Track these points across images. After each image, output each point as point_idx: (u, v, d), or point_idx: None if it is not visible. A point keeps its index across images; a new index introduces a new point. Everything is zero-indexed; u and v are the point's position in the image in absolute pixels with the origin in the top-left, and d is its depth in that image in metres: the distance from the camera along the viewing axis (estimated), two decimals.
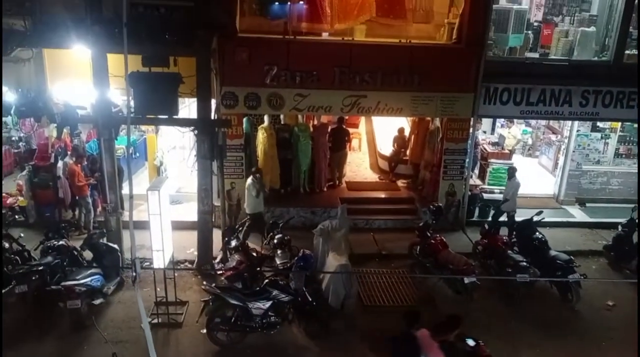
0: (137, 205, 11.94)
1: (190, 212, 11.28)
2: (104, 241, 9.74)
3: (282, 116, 13.32)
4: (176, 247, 10.01)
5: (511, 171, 12.00)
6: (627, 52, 12.41)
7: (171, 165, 13.60)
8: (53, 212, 11.56)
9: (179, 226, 10.79)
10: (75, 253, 9.59)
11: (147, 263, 9.47)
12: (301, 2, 11.28)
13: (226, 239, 10.24)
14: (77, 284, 8.42)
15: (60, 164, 11.42)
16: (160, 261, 8.41)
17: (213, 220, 10.69)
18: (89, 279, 8.65)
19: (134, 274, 5.05)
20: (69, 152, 11.85)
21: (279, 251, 9.95)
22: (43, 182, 11.41)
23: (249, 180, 11.09)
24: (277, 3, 11.39)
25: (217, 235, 10.68)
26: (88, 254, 9.75)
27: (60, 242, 9.48)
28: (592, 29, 12.69)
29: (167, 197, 8.74)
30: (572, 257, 10.10)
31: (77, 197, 11.42)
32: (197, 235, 10.34)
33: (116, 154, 9.81)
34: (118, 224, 9.95)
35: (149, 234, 8.30)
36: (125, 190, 11.15)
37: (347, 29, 11.86)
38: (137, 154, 13.90)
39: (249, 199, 11.07)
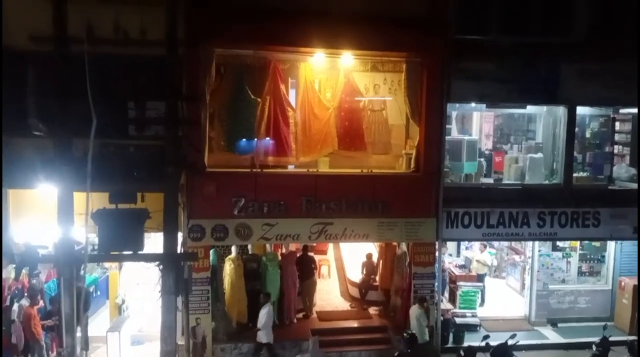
0: (95, 347, 11.32)
1: (152, 353, 10.60)
2: None
3: (249, 246, 13.27)
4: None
5: None
6: (575, 175, 13.24)
7: (134, 303, 13.03)
8: None
9: None
10: None
11: None
12: (267, 138, 11.85)
13: None
14: None
15: (15, 307, 10.81)
16: None
17: None
18: None
19: None
20: (25, 294, 11.29)
21: None
22: None
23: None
24: (244, 139, 11.93)
25: None
26: None
27: None
28: (540, 155, 13.62)
29: (128, 338, 8.27)
30: None
31: (29, 342, 10.65)
32: None
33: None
34: None
35: None
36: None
37: (311, 161, 12.45)
38: (98, 293, 13.35)
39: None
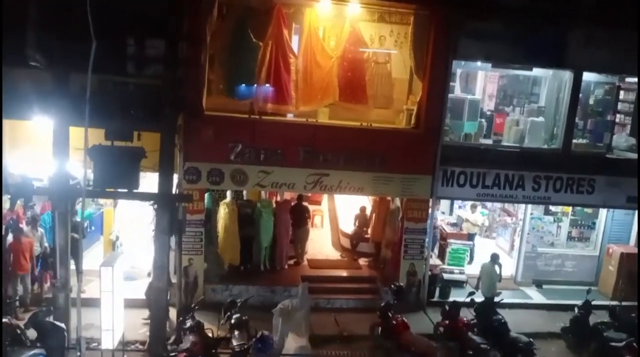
0: (88, 281, 11.53)
1: (144, 289, 10.84)
2: (50, 319, 9.18)
3: (245, 192, 13.35)
4: (127, 326, 9.55)
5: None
6: (574, 141, 13.21)
7: (127, 240, 13.21)
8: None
9: (131, 303, 10.32)
10: (19, 332, 8.97)
11: (95, 344, 8.92)
12: (267, 85, 11.68)
13: (181, 318, 9.83)
14: None
15: (10, 237, 10.95)
16: (109, 342, 7.95)
17: (168, 298, 10.29)
18: None
19: (78, 354, 4.74)
20: (21, 225, 11.41)
21: (236, 332, 9.57)
22: None
23: None
24: (244, 84, 11.76)
25: (172, 314, 10.24)
26: (32, 333, 9.14)
27: (3, 320, 8.88)
28: (541, 119, 13.54)
29: (120, 274, 8.43)
30: (531, 339, 10.13)
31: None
32: (150, 313, 9.89)
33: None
34: (67, 302, 9.44)
35: (99, 312, 7.90)
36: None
37: (311, 111, 12.31)
38: (93, 228, 13.49)
39: None
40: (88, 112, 8.21)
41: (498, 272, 11.83)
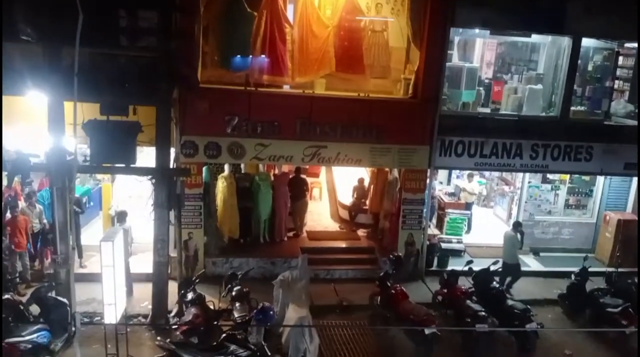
0: (89, 256, 11.60)
1: (145, 263, 10.89)
2: (53, 294, 9.27)
3: (242, 165, 13.31)
4: (129, 300, 9.65)
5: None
6: (572, 108, 13.14)
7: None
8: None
9: (133, 278, 10.42)
10: (21, 308, 9.06)
11: (98, 318, 9.02)
12: (263, 56, 11.51)
13: (182, 291, 9.92)
14: (22, 341, 7.97)
15: (8, 214, 10.95)
16: (112, 316, 8.04)
17: (169, 272, 10.38)
18: (34, 335, 8.19)
19: (73, 329, 4.78)
20: (19, 201, 11.40)
21: (237, 304, 9.67)
22: None
23: None
24: (238, 56, 11.58)
25: (172, 287, 10.34)
26: (35, 309, 9.24)
27: (5, 296, 8.96)
28: (539, 86, 13.42)
29: (121, 248, 8.46)
30: (528, 306, 10.26)
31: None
32: (152, 287, 9.99)
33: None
34: (68, 277, 9.52)
35: (101, 287, 7.96)
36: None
37: (307, 82, 12.18)
38: (91, 203, 13.50)
39: None
40: (81, 86, 8.13)
41: (519, 239, 11.98)
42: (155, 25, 9.15)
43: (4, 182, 11.21)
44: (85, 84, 8.22)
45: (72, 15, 7.87)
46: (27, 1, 8.74)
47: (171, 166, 9.98)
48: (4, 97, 10.53)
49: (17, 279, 10.24)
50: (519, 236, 12.00)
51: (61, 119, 8.90)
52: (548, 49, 13.74)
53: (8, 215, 10.90)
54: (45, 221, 11.22)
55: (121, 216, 10.96)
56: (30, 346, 7.99)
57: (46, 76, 8.67)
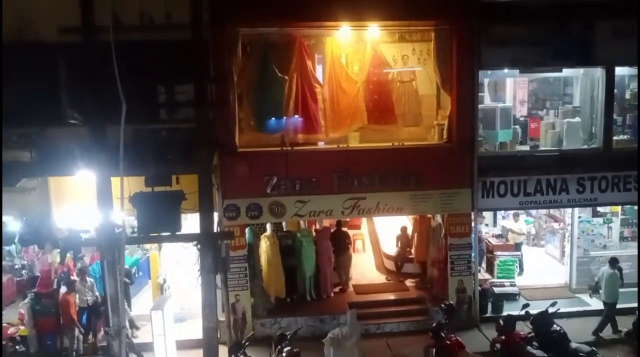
0: (140, 325, 11.73)
1: (194, 329, 10.91)
2: None
3: (284, 223, 13.42)
4: None
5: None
6: (615, 138, 12.81)
7: (175, 282, 13.42)
8: (55, 341, 11.20)
9: (183, 345, 10.45)
10: None
11: None
12: (296, 116, 11.85)
13: (233, 355, 9.84)
14: None
15: (63, 289, 11.28)
16: None
17: (218, 336, 10.35)
18: None
19: None
20: (72, 277, 11.76)
21: None
22: (45, 309, 11.16)
23: None
24: (273, 118, 11.95)
25: (223, 352, 10.26)
26: None
27: None
28: (577, 119, 13.20)
29: (170, 316, 8.55)
30: (594, 348, 9.71)
31: (65, 327, 11.02)
32: (203, 353, 9.95)
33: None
34: (121, 348, 9.60)
35: (153, 356, 8.01)
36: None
37: (341, 136, 12.40)
38: (140, 273, 13.79)
39: None
40: (125, 161, 8.48)
41: (619, 276, 11.60)
42: (192, 97, 9.57)
43: (57, 259, 11.62)
44: (130, 158, 8.59)
45: (113, 96, 8.35)
46: (70, 88, 9.34)
47: (215, 230, 10.13)
48: (54, 178, 11.14)
49: (74, 354, 10.41)
50: (617, 272, 11.54)
51: (109, 194, 9.23)
52: (582, 81, 13.60)
53: (63, 290, 11.23)
54: (97, 293, 11.49)
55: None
56: None
57: (93, 155, 9.10)
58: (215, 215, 10.62)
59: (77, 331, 11.02)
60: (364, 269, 14.94)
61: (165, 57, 9.74)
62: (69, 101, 9.19)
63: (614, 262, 11.73)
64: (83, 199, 10.63)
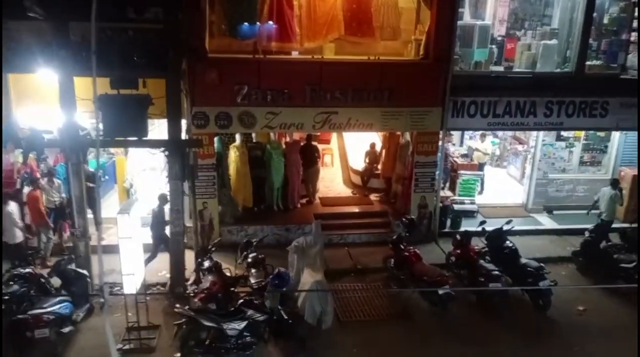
0: (106, 228, 11.84)
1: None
2: (73, 267, 9.54)
3: (254, 134, 13.34)
4: (148, 270, 9.88)
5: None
6: (587, 63, 12.83)
7: (141, 187, 13.42)
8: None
9: (150, 248, 10.64)
10: (43, 281, 9.34)
11: (118, 288, 9.29)
12: (270, 22, 11.36)
13: (199, 260, 10.15)
14: (45, 313, 8.22)
15: (26, 190, 11.16)
16: (131, 285, 8.28)
17: (185, 241, 10.59)
18: (57, 306, 8.44)
19: (102, 300, 4.96)
20: (37, 176, 11.60)
21: (253, 270, 9.90)
22: None
23: None
24: (246, 24, 11.43)
25: (189, 256, 10.56)
26: (56, 281, 9.53)
27: (27, 270, 9.23)
28: (554, 41, 13.09)
29: (137, 220, 8.63)
30: (542, 264, 10.33)
31: (37, 223, 10.99)
32: (169, 257, 10.22)
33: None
34: (87, 249, 9.77)
35: (119, 258, 8.17)
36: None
37: (316, 47, 12.02)
38: (107, 177, 13.70)
39: None
40: (89, 62, 8.13)
41: (619, 196, 12.10)
42: None
43: (19, 159, 11.38)
44: (95, 59, 8.22)
45: None
46: None
47: (183, 138, 10.03)
48: (14, 76, 10.63)
49: (42, 253, 10.51)
50: (618, 192, 12.04)
51: (72, 95, 8.95)
52: (562, 2, 13.35)
53: (26, 190, 11.11)
54: (63, 195, 11.41)
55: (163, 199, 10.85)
56: (53, 317, 8.26)
57: (55, 53, 8.67)
58: (184, 122, 10.48)
59: (50, 231, 11.06)
60: (331, 182, 15.20)
61: None
62: None
63: (615, 183, 12.23)
64: (45, 99, 10.26)
